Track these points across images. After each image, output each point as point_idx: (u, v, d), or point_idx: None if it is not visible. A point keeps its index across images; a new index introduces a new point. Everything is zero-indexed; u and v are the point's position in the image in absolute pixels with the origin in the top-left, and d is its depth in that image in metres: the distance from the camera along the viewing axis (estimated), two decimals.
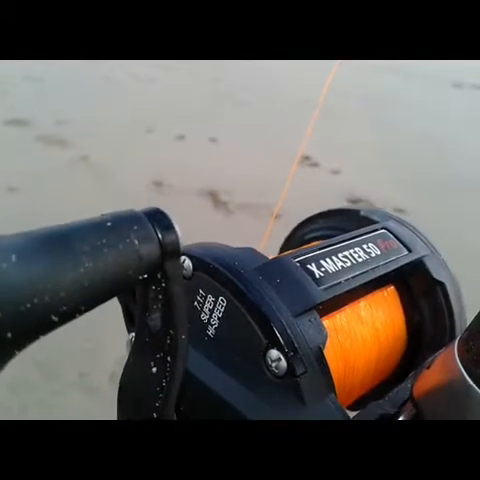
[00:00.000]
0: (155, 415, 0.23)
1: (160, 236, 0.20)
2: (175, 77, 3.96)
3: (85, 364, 1.47)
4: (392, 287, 0.38)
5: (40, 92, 3.46)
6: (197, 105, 3.51)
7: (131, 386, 0.24)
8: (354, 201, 2.49)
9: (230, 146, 2.97)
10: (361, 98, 3.92)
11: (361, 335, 0.34)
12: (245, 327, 0.28)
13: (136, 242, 0.19)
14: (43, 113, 3.10)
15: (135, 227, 0.19)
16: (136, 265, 0.19)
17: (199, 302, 0.31)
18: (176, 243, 0.20)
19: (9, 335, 0.16)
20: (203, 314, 0.31)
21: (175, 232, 0.20)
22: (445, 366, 0.29)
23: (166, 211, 0.21)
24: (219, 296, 0.30)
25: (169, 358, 0.22)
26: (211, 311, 0.30)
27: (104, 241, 0.18)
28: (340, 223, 0.42)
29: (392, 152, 3.10)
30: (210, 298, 0.30)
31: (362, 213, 0.41)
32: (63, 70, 3.65)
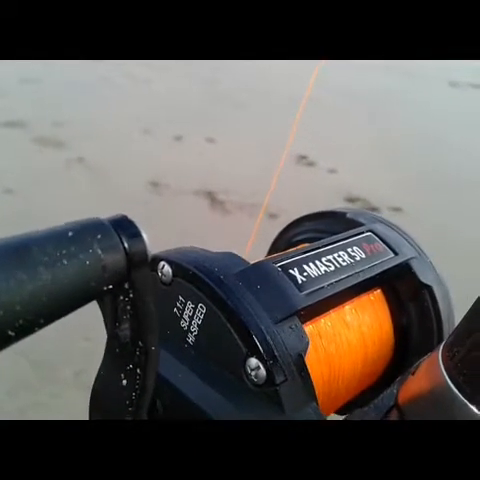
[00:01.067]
0: None
1: (126, 245, 0.19)
2: (172, 78, 3.95)
3: (81, 363, 1.46)
4: (379, 291, 0.38)
5: (36, 94, 3.45)
6: (194, 106, 3.50)
7: (102, 397, 0.24)
8: (351, 200, 2.48)
9: (227, 146, 2.97)
10: (358, 97, 3.91)
11: (346, 339, 0.34)
12: (224, 335, 0.28)
13: (99, 252, 0.18)
14: (39, 115, 3.09)
15: (98, 236, 0.18)
16: (99, 276, 0.18)
17: (179, 309, 0.30)
18: (143, 252, 0.20)
19: None
20: (183, 321, 0.30)
21: (142, 240, 0.20)
22: (429, 373, 0.29)
23: (134, 219, 0.20)
24: (198, 303, 0.29)
25: (139, 370, 0.21)
26: (191, 318, 0.30)
27: (64, 252, 0.17)
28: (326, 226, 0.41)
29: (389, 150, 3.09)
30: (190, 305, 0.30)
31: (348, 215, 0.41)
32: (59, 71, 3.64)
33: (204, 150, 2.91)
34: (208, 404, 0.26)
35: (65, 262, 0.17)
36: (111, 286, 0.19)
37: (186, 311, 0.30)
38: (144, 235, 0.20)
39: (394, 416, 0.30)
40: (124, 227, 0.19)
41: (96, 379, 0.23)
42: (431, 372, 0.28)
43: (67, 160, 2.63)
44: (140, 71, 3.92)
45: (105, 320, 0.30)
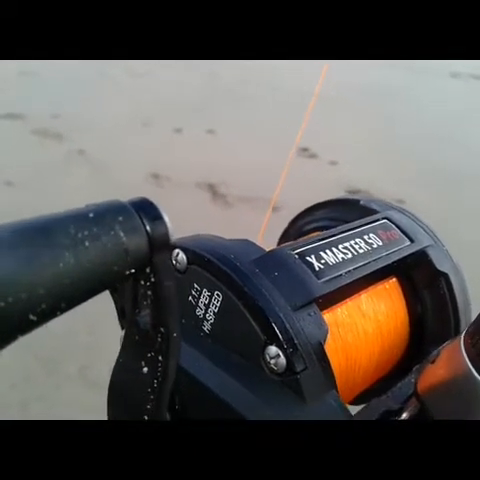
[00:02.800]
0: (146, 418, 0.21)
1: (148, 228, 0.18)
2: (171, 70, 3.92)
3: (86, 358, 1.46)
4: (394, 279, 0.37)
5: (35, 86, 3.43)
6: (194, 98, 3.48)
7: (121, 387, 0.23)
8: (353, 192, 2.47)
9: (228, 138, 2.95)
10: (359, 90, 3.88)
11: (363, 329, 0.33)
12: (242, 322, 0.27)
13: (121, 234, 0.18)
14: (39, 107, 3.07)
15: (120, 218, 0.18)
16: (122, 259, 0.18)
17: (194, 297, 0.30)
18: (166, 235, 0.19)
19: None
20: (198, 309, 0.30)
21: (164, 223, 0.19)
22: (451, 360, 0.28)
23: (155, 202, 0.19)
24: (214, 290, 0.28)
25: (160, 357, 0.20)
26: (206, 306, 0.29)
27: (86, 233, 0.17)
28: (339, 213, 0.41)
29: (390, 142, 3.08)
30: (205, 292, 0.29)
31: (362, 203, 0.40)
32: (58, 64, 3.61)
33: (204, 142, 2.90)
34: (227, 393, 0.26)
35: (87, 244, 0.17)
36: (133, 270, 0.18)
37: (202, 299, 0.29)
38: (166, 218, 0.19)
39: (413, 405, 0.30)
40: (145, 209, 0.19)
41: (114, 369, 0.23)
42: (453, 360, 0.28)
43: (67, 152, 2.61)
44: (139, 64, 3.89)
45: (120, 308, 0.30)
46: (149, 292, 0.20)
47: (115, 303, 0.32)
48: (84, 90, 3.43)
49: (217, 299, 0.28)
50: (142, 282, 0.20)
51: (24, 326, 0.16)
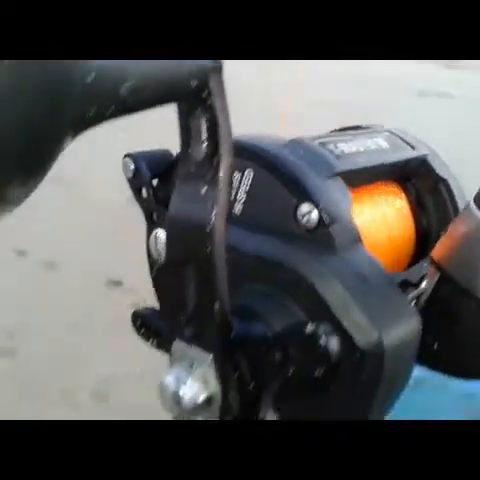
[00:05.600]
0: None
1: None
2: None
3: (68, 382, 1.44)
4: (399, 185, 0.40)
5: None
6: None
7: (180, 219, 0.25)
8: None
9: None
10: (331, 107, 4.01)
11: (382, 213, 0.36)
12: (274, 192, 0.29)
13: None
14: None
15: None
16: (189, 66, 0.20)
17: None
18: (218, 62, 0.21)
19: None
20: None
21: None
22: (464, 222, 0.31)
23: None
24: (245, 169, 0.31)
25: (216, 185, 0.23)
26: (237, 188, 0.31)
27: None
28: None
29: None
30: (236, 175, 0.31)
31: (363, 126, 0.43)
32: None
33: None
34: (266, 250, 0.28)
35: None
36: (195, 82, 0.21)
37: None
38: None
39: (432, 273, 0.32)
40: None
41: (170, 209, 0.25)
42: (466, 220, 0.30)
43: None
44: None
45: (148, 213, 0.32)
46: (204, 117, 0.22)
47: (143, 210, 0.34)
48: None
49: (248, 177, 0.31)
50: (197, 107, 0.22)
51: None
